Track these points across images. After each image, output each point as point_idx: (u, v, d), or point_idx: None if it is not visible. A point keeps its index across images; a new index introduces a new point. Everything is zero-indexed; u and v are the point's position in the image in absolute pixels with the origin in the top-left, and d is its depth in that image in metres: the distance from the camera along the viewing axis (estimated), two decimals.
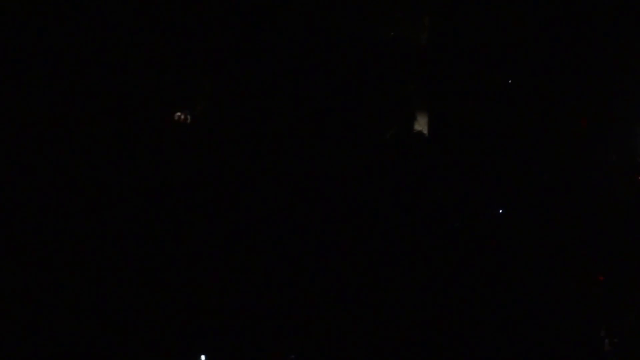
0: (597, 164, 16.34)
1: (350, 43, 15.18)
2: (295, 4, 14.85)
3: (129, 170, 13.09)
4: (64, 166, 12.76)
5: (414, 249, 13.45)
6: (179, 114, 14.40)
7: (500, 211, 15.23)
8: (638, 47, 17.32)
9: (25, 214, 12.31)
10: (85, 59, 13.36)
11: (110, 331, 11.96)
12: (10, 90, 12.82)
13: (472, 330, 12.18)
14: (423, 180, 14.61)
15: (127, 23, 13.75)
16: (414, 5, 16.95)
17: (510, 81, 16.82)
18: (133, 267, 12.38)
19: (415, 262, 12.98)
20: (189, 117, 14.35)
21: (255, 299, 12.33)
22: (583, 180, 15.67)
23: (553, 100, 16.55)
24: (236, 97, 14.42)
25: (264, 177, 13.75)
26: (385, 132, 15.54)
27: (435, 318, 12.20)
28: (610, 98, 16.82)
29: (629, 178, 16.06)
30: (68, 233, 12.33)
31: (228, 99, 14.41)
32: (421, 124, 16.29)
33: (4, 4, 13.31)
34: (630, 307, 12.65)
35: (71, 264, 12.25)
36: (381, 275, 12.78)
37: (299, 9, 14.92)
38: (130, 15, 13.81)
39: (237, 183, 13.52)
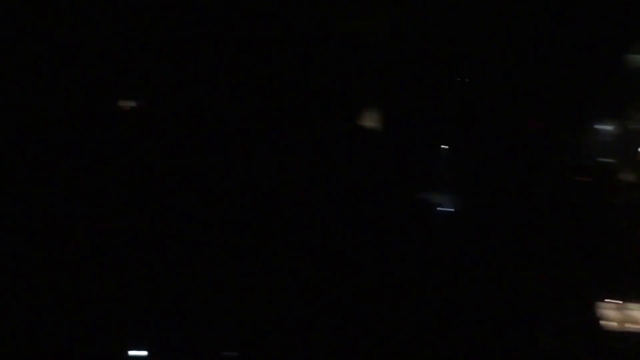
0: (541, 164, 16.67)
1: (304, 37, 15.21)
2: None
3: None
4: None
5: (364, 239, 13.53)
6: (125, 103, 14.39)
7: (445, 209, 15.51)
8: (586, 53, 17.62)
9: None
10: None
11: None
12: None
13: (412, 330, 12.30)
14: (375, 175, 14.73)
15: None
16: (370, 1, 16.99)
17: (462, 79, 17.04)
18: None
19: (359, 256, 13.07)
20: (134, 106, 14.36)
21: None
22: (526, 180, 15.99)
23: (502, 100, 16.78)
24: (180, 91, 14.41)
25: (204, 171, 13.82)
26: (338, 127, 15.63)
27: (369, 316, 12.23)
28: (555, 101, 17.12)
29: (570, 178, 16.40)
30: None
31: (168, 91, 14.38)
32: (374, 119, 16.40)
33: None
34: (571, 305, 12.95)
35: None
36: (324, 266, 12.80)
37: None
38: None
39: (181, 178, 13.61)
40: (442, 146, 16.39)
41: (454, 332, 11.98)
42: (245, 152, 14.31)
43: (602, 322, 12.79)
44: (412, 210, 14.91)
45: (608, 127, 19.82)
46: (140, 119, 14.49)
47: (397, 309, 12.41)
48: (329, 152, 14.72)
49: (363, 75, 16.37)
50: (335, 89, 15.50)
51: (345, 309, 12.23)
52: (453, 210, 15.35)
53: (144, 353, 12.51)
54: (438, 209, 15.86)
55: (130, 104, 14.82)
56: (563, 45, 17.32)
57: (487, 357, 11.96)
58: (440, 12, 16.98)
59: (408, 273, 13.03)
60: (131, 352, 12.63)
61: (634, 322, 13.02)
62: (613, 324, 12.80)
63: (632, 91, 19.74)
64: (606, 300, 13.15)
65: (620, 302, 13.26)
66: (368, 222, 13.42)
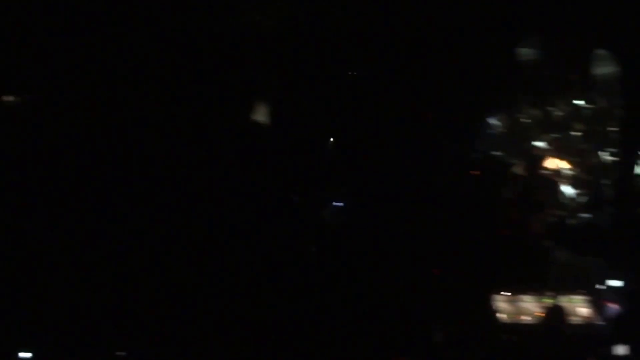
0: (435, 158, 16.72)
1: (197, 30, 14.91)
2: None
3: None
4: None
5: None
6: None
7: (339, 204, 15.39)
8: (479, 45, 17.76)
9: None
10: None
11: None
12: None
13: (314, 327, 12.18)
14: (267, 171, 14.56)
15: None
16: None
17: (354, 73, 16.95)
18: None
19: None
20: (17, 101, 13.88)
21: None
22: (420, 173, 16.00)
23: (396, 93, 16.76)
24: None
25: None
26: (231, 122, 15.38)
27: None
28: (448, 93, 17.22)
29: (464, 172, 16.48)
30: None
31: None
32: (264, 114, 16.20)
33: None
34: (465, 300, 12.98)
35: None
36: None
37: None
38: None
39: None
40: (332, 139, 16.30)
41: (347, 327, 11.87)
42: (136, 146, 13.93)
43: (494, 315, 12.86)
44: (301, 205, 14.79)
45: (499, 121, 20.10)
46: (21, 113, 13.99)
47: (288, 306, 12.24)
48: (218, 147, 14.45)
49: (254, 69, 16.16)
50: (226, 83, 15.26)
51: (229, 307, 12.00)
52: (343, 204, 15.25)
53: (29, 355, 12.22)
54: (331, 203, 15.75)
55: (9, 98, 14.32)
56: (454, 38, 17.42)
57: (381, 350, 11.88)
58: (333, 6, 16.89)
59: (299, 268, 12.86)
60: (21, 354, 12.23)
61: (526, 313, 13.14)
62: (505, 316, 12.89)
63: (523, 85, 20.05)
64: (498, 292, 13.23)
65: (512, 294, 13.36)
66: (255, 218, 13.20)
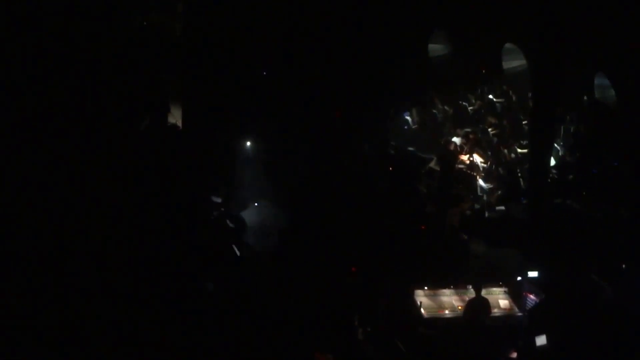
0: (350, 155, 16.66)
1: (101, 32, 14.48)
2: None
3: None
4: None
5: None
6: None
7: (256, 204, 15.21)
8: (388, 43, 17.81)
9: None
10: None
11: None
12: None
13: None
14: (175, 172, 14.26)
15: None
16: None
17: (265, 73, 16.82)
18: None
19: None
20: None
21: None
22: (337, 170, 15.92)
23: (304, 93, 16.72)
24: None
25: None
26: (138, 124, 15.01)
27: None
28: (363, 92, 17.23)
29: (380, 168, 16.46)
30: None
31: None
32: (175, 116, 15.89)
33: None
34: (381, 297, 12.85)
35: None
36: None
37: None
38: None
39: None
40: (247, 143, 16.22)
41: (269, 324, 11.64)
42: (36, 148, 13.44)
43: (413, 310, 12.79)
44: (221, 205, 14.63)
45: (413, 116, 20.22)
46: None
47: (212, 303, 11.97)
48: (126, 150, 14.06)
49: (161, 71, 15.86)
50: (133, 85, 14.90)
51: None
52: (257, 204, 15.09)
53: None
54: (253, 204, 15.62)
55: None
56: (364, 36, 17.42)
57: (304, 346, 11.66)
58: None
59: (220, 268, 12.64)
60: None
61: (446, 307, 13.12)
62: (424, 311, 12.84)
63: (435, 80, 20.19)
64: (417, 287, 13.17)
65: (431, 288, 13.33)
66: (166, 220, 12.88)
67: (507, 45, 19.17)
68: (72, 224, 11.78)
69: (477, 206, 17.24)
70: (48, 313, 10.98)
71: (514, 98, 20.93)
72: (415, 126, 20.00)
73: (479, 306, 12.85)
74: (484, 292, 13.02)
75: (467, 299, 13.12)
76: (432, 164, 17.50)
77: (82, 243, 11.47)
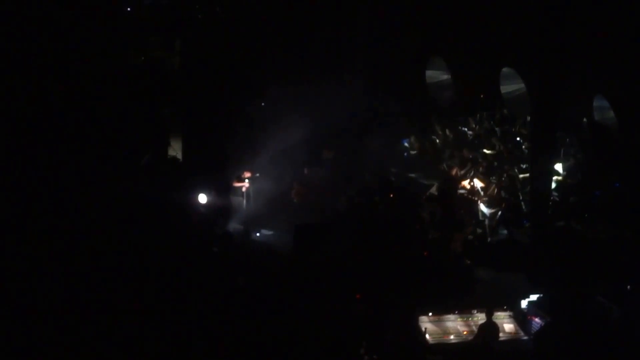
0: (352, 184, 16.78)
1: (101, 68, 14.59)
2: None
3: None
4: None
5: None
6: None
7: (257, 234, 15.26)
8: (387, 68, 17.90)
9: None
10: None
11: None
12: None
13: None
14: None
15: None
16: (166, 30, 16.71)
17: (263, 104, 16.98)
18: None
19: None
20: None
21: None
22: (340, 199, 15.99)
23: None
24: None
25: None
26: (140, 157, 15.07)
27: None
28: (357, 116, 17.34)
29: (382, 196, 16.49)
30: None
31: None
32: (175, 149, 15.97)
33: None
34: (388, 324, 12.77)
35: None
36: None
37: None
38: None
39: None
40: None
41: (272, 352, 11.59)
42: None
43: (418, 336, 12.71)
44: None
45: (411, 143, 20.24)
46: None
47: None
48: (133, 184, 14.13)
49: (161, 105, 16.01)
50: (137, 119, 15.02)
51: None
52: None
53: None
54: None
55: None
56: (363, 63, 17.56)
57: None
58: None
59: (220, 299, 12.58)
60: None
61: (451, 333, 13.04)
62: (429, 337, 12.77)
63: (434, 107, 20.24)
64: (422, 313, 13.11)
65: (436, 314, 13.26)
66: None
67: (505, 69, 19.21)
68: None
69: (479, 231, 17.20)
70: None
71: (512, 122, 20.91)
72: (414, 152, 20.01)
73: (490, 331, 12.79)
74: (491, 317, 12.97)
75: (472, 323, 13.05)
76: (433, 190, 17.48)
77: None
